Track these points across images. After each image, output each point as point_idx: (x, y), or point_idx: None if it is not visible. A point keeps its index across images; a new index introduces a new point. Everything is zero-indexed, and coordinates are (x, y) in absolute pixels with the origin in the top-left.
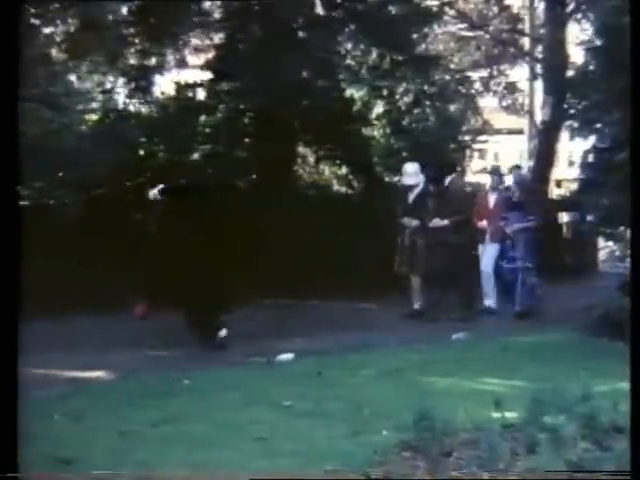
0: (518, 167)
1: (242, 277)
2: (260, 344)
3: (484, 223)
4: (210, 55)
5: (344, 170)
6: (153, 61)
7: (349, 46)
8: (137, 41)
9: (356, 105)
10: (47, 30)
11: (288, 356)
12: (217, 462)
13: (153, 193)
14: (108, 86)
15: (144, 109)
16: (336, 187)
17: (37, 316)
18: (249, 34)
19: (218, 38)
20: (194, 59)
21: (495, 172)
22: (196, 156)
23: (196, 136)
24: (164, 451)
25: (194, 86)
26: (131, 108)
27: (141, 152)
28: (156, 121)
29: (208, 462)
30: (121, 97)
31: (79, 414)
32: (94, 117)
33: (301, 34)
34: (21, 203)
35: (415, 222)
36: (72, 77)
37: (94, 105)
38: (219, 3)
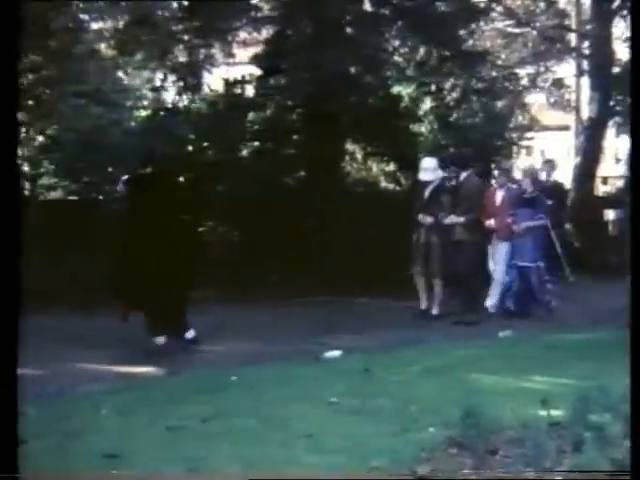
0: (550, 162)
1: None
2: (308, 340)
3: (491, 221)
4: (259, 51)
5: (392, 167)
6: (202, 58)
7: (397, 42)
8: (186, 38)
9: (404, 101)
10: (96, 26)
11: (335, 353)
12: (265, 458)
13: (119, 186)
14: (157, 82)
15: (193, 105)
16: (384, 184)
17: (88, 311)
18: (297, 30)
19: (267, 34)
20: (243, 55)
21: (503, 169)
22: (244, 153)
23: (244, 133)
24: (212, 446)
25: (243, 82)
26: (180, 104)
27: (190, 148)
28: (205, 118)
29: (256, 458)
30: (170, 93)
31: (127, 409)
32: (143, 113)
33: (349, 30)
34: (71, 198)
35: (429, 219)
36: (121, 73)
37: (143, 101)
38: None
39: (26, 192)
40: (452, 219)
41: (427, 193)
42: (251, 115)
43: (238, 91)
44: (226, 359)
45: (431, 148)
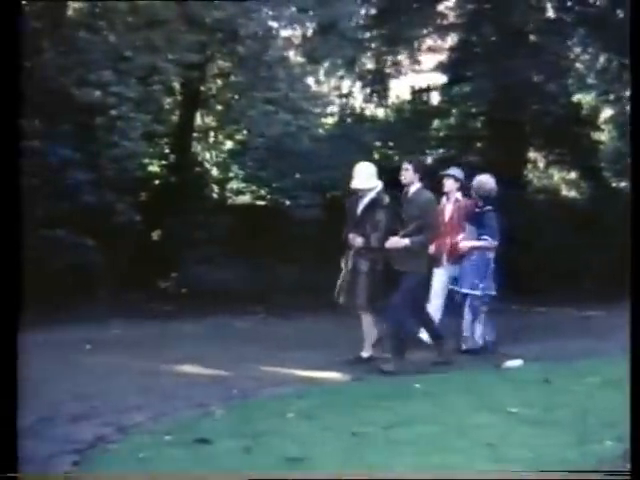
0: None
1: None
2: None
3: (438, 241)
4: (444, 58)
5: (572, 175)
6: (389, 65)
7: (578, 50)
8: (373, 45)
9: (584, 109)
10: (285, 33)
11: (516, 362)
12: (446, 466)
13: None
14: (345, 90)
15: (380, 112)
16: (564, 192)
17: (275, 314)
18: (482, 38)
19: (451, 40)
20: (428, 63)
21: (453, 175)
22: (429, 160)
23: (429, 140)
24: (395, 453)
25: (428, 90)
26: (367, 111)
27: (376, 155)
28: (391, 125)
29: (437, 466)
30: (357, 100)
31: (313, 413)
32: (330, 120)
33: (532, 38)
34: (259, 203)
35: (359, 240)
36: (310, 80)
37: (331, 108)
38: (453, 5)
39: (215, 195)
40: (393, 242)
41: (360, 207)
42: (436, 122)
43: (424, 98)
44: (410, 366)
45: (611, 156)
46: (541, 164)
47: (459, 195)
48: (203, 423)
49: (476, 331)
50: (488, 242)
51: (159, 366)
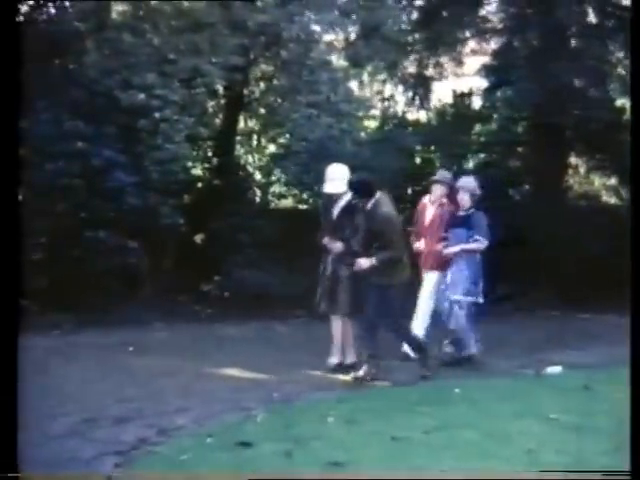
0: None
1: None
2: (530, 355)
3: (419, 246)
4: (486, 62)
5: (613, 181)
6: (431, 69)
7: (620, 54)
8: (416, 49)
9: (626, 115)
10: (328, 37)
11: (556, 369)
12: (487, 471)
13: None
14: (387, 93)
15: (421, 116)
16: (605, 198)
17: (317, 318)
18: (524, 42)
19: (494, 44)
20: (470, 67)
21: (443, 181)
22: (471, 165)
23: (471, 145)
24: (435, 458)
25: (470, 94)
26: (409, 115)
27: (418, 160)
28: (433, 129)
29: (478, 471)
30: (399, 104)
31: (353, 418)
32: (373, 124)
33: (574, 42)
34: (301, 206)
35: (339, 245)
36: (352, 84)
37: (373, 112)
38: (496, 9)
39: (257, 199)
40: (360, 264)
41: (336, 211)
42: (477, 127)
43: (466, 102)
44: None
45: None
46: (582, 170)
47: (444, 199)
48: (245, 426)
49: (473, 337)
50: (479, 242)
51: (201, 369)
